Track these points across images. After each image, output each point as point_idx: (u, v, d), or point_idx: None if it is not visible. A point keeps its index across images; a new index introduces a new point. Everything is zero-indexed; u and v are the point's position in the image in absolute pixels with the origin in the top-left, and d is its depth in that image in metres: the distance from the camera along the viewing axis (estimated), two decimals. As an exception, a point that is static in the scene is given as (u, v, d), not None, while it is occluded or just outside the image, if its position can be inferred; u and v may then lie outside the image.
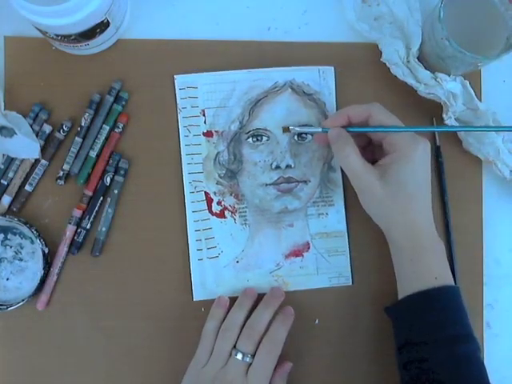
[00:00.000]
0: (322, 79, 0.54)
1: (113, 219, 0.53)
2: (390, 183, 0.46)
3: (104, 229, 0.52)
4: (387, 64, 0.53)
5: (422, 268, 0.47)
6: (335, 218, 0.54)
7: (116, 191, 0.53)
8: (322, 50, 0.55)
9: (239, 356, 0.47)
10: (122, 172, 0.53)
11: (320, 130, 0.50)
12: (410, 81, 0.52)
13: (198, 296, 0.53)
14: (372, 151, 0.51)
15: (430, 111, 0.55)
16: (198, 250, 0.53)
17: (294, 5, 0.56)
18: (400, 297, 0.48)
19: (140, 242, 0.53)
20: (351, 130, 0.48)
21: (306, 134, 0.54)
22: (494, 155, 0.53)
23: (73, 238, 0.52)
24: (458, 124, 0.53)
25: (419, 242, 0.47)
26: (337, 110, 0.55)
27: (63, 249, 0.52)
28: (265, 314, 0.49)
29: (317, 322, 0.54)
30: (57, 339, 0.52)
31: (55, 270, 0.52)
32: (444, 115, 0.52)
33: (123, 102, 0.53)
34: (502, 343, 0.55)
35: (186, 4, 0.55)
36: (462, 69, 0.52)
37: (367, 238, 0.54)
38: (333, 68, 0.55)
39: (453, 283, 0.47)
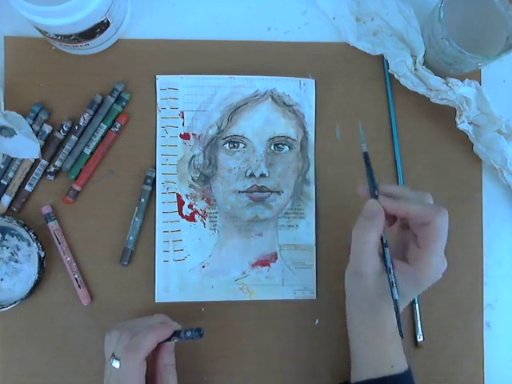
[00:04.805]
0: (302, 91, 0.54)
1: (141, 228, 0.53)
2: (383, 285, 0.43)
3: (132, 238, 0.52)
4: (395, 76, 0.53)
5: (380, 356, 0.45)
6: (305, 230, 0.54)
7: (143, 200, 0.53)
8: (321, 50, 0.55)
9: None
10: (150, 181, 0.53)
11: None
12: (421, 90, 0.52)
13: (160, 298, 0.53)
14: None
15: (430, 111, 0.55)
16: (165, 251, 0.53)
17: (293, 5, 0.56)
18: (352, 380, 0.47)
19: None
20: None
21: (282, 144, 0.54)
22: (501, 163, 0.53)
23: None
24: (472, 128, 0.53)
25: (384, 333, 0.45)
26: (316, 123, 0.55)
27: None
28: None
29: (317, 322, 0.54)
30: (56, 339, 0.52)
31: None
32: (457, 119, 0.52)
33: (123, 103, 0.53)
34: (502, 343, 0.55)
35: (185, 4, 0.55)
36: (462, 69, 0.52)
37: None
38: (314, 80, 0.55)
39: (406, 367, 0.46)
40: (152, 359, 0.46)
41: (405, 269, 0.43)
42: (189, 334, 0.44)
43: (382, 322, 0.44)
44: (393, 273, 0.42)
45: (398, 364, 0.45)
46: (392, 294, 0.42)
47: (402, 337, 0.43)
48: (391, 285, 0.42)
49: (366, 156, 0.45)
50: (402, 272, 0.43)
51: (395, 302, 0.42)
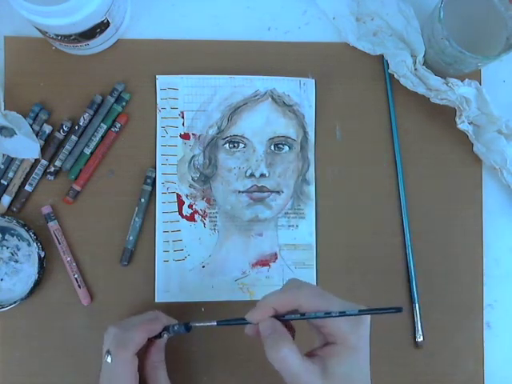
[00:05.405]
0: (302, 91, 0.54)
1: (141, 228, 0.53)
2: (333, 380, 0.38)
3: (132, 238, 0.52)
4: (395, 76, 0.53)
5: None
6: (305, 230, 0.54)
7: (143, 200, 0.53)
8: (321, 50, 0.55)
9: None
10: (150, 181, 0.53)
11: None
12: (421, 90, 0.52)
13: (160, 298, 0.53)
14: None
15: (430, 111, 0.55)
16: (165, 251, 0.53)
17: (293, 5, 0.56)
18: None
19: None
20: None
21: (282, 144, 0.54)
22: (501, 163, 0.53)
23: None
24: (472, 128, 0.53)
25: None
26: (316, 123, 0.55)
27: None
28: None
29: (317, 322, 0.54)
30: (56, 339, 0.52)
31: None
32: (457, 119, 0.52)
33: (123, 103, 0.53)
34: (502, 343, 0.55)
35: (185, 4, 0.55)
36: (462, 69, 0.52)
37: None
38: (314, 80, 0.55)
39: None
40: (143, 356, 0.46)
41: (332, 351, 0.40)
42: (176, 328, 0.45)
43: None
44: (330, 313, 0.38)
45: None
46: (350, 314, 0.38)
47: (400, 311, 0.38)
48: (342, 314, 0.38)
49: (221, 323, 0.42)
50: (331, 355, 0.39)
51: (368, 310, 0.38)
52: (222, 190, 0.54)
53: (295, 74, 0.54)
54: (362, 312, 0.38)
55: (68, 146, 0.52)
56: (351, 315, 0.38)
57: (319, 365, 0.39)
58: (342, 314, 0.38)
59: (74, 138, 0.52)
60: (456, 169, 0.56)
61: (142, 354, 0.46)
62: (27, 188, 0.52)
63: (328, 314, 0.38)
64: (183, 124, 0.54)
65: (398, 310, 0.38)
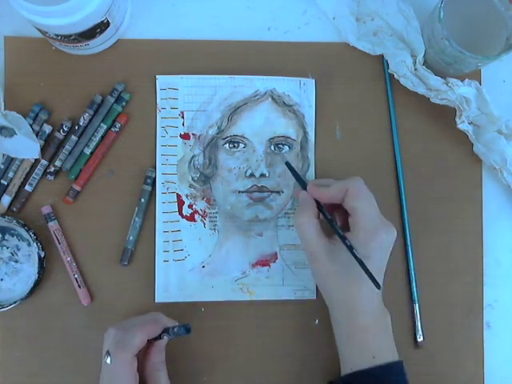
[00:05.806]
0: (302, 91, 0.54)
1: (141, 228, 0.53)
2: (336, 261, 0.45)
3: (132, 238, 0.52)
4: (395, 76, 0.53)
5: (358, 346, 0.45)
6: None
7: (143, 200, 0.53)
8: (321, 50, 0.55)
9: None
10: (150, 181, 0.53)
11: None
12: (421, 90, 0.52)
13: (159, 298, 0.53)
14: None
15: (430, 111, 0.55)
16: (165, 251, 0.53)
17: (293, 5, 0.56)
18: (342, 373, 0.47)
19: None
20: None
21: (282, 144, 0.54)
22: (500, 163, 0.53)
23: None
24: (472, 128, 0.53)
25: (356, 320, 0.45)
26: (316, 123, 0.54)
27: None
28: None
29: (317, 322, 0.54)
30: (56, 339, 0.52)
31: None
32: (457, 119, 0.52)
33: (123, 103, 0.53)
34: (502, 343, 0.55)
35: (185, 4, 0.55)
36: (462, 69, 0.52)
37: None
38: (314, 80, 0.55)
39: (396, 358, 0.45)
40: (143, 357, 0.46)
41: (349, 236, 0.45)
42: (176, 330, 0.45)
43: (353, 307, 0.45)
44: (345, 237, 0.44)
45: (380, 354, 0.45)
46: (354, 255, 0.43)
47: (378, 288, 0.43)
48: (349, 248, 0.44)
49: (287, 165, 0.50)
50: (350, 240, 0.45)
51: (360, 261, 0.43)
52: (222, 189, 0.54)
53: (295, 74, 0.55)
54: (361, 264, 0.43)
55: (68, 146, 0.52)
56: (354, 256, 0.43)
57: (331, 244, 0.46)
58: (350, 249, 0.44)
59: (74, 138, 0.53)
60: (456, 169, 0.56)
61: (143, 356, 0.46)
62: (27, 188, 0.52)
63: (344, 238, 0.44)
64: (183, 124, 0.54)
65: (377, 286, 0.42)
